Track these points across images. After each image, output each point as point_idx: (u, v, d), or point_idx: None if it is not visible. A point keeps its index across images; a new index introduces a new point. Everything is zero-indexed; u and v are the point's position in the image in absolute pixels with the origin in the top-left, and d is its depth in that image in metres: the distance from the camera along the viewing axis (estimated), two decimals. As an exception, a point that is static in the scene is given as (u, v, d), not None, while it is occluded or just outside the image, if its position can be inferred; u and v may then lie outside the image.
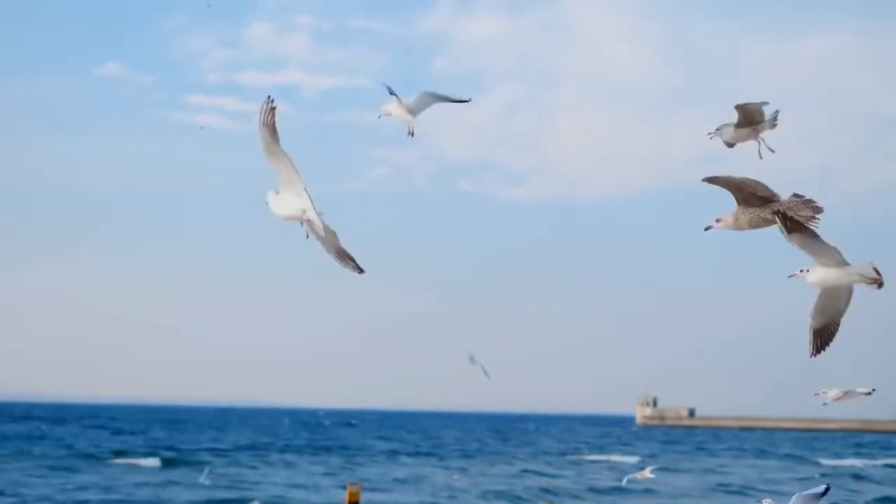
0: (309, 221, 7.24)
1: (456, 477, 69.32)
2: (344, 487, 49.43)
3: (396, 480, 64.11)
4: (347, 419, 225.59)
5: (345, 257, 7.52)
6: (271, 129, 7.04)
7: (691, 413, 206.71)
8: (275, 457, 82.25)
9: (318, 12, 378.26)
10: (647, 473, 24.29)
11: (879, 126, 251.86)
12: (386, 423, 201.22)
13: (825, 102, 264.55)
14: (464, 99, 8.61)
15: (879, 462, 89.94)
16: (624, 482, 29.25)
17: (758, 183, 6.82)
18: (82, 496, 50.33)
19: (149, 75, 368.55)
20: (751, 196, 6.84)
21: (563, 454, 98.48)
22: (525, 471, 73.75)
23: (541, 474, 70.46)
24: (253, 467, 71.76)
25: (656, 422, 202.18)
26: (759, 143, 7.73)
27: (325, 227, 7.33)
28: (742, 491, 62.13)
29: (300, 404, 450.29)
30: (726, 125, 7.83)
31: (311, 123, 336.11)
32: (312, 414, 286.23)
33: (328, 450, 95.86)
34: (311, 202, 7.21)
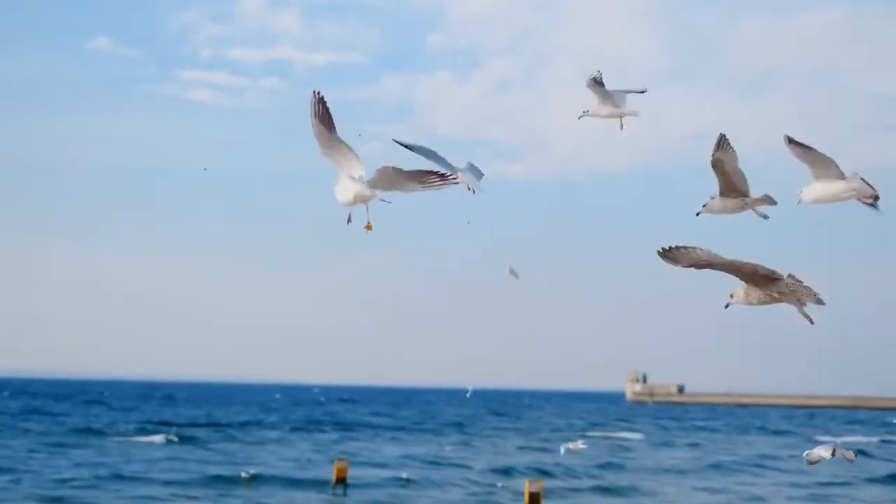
0: (365, 198, 7.11)
1: (448, 448, 70.05)
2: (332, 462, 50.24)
3: (387, 456, 64.75)
4: (342, 395, 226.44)
5: (432, 179, 7.09)
6: (327, 122, 7.01)
7: (680, 390, 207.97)
8: (268, 432, 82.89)
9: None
10: (580, 444, 25.51)
11: (875, 101, 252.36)
12: (381, 400, 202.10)
13: (819, 79, 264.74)
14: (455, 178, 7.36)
15: (875, 438, 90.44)
16: (561, 451, 30.21)
17: (755, 264, 6.69)
18: (87, 473, 50.97)
19: (139, 49, 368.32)
20: (752, 275, 6.74)
21: (559, 430, 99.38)
22: (522, 447, 74.39)
23: (544, 451, 70.87)
24: (247, 443, 72.44)
25: (646, 398, 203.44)
26: (753, 210, 7.62)
27: (383, 174, 7.03)
28: (746, 466, 63.20)
29: (294, 380, 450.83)
30: (711, 199, 7.63)
31: (304, 99, 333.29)
32: (307, 390, 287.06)
33: (320, 425, 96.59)
34: (363, 179, 7.05)
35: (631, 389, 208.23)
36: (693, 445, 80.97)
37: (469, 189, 7.64)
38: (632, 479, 54.67)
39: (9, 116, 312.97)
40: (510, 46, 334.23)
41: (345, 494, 46.10)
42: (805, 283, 6.71)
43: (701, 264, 6.49)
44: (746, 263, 6.58)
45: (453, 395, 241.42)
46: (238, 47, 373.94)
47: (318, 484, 49.37)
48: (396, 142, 7.41)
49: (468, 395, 53.22)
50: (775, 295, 6.71)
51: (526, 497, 39.70)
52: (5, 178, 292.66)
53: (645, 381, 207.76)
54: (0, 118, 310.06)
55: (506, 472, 56.99)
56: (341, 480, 47.34)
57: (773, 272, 6.65)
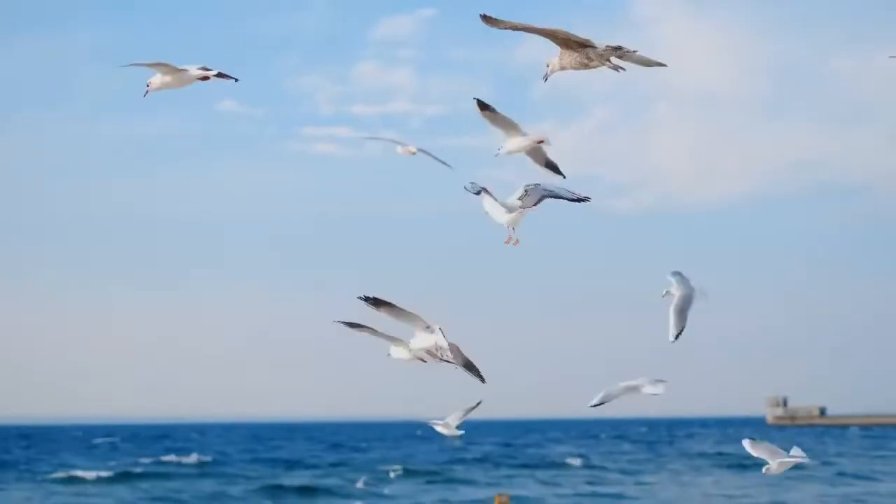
0: (441, 350, 7.66)
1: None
2: None
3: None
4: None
5: (471, 367, 7.83)
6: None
7: (822, 412, 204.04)
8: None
9: (421, 46, 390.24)
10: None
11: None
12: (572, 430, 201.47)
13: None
14: (581, 197, 7.52)
15: None
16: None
17: (567, 31, 6.95)
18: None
19: (263, 109, 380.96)
20: (567, 41, 6.97)
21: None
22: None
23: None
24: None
25: (787, 422, 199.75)
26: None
27: (452, 346, 7.66)
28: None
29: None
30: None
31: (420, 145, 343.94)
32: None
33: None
34: (441, 334, 7.61)
35: (772, 413, 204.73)
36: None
37: None
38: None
39: (146, 171, 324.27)
40: (610, 92, 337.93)
41: None
42: (617, 44, 6.99)
43: (517, 27, 6.82)
44: (559, 29, 6.87)
45: (566, 427, 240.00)
46: (357, 104, 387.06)
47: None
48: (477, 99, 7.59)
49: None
50: (585, 61, 7.01)
51: None
52: (144, 231, 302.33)
53: (786, 404, 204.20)
54: (137, 174, 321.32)
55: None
56: None
57: (587, 40, 6.95)
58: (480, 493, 59.84)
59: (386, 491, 65.06)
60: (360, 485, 64.55)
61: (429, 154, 8.58)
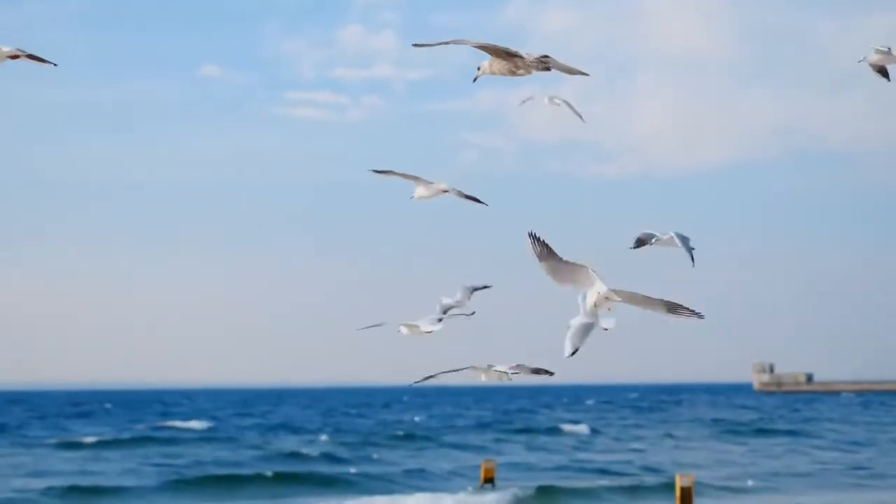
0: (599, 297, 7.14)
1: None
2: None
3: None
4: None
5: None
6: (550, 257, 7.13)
7: (809, 378, 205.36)
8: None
9: (404, 9, 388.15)
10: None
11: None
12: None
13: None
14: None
15: None
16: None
17: (497, 45, 7.44)
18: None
19: (247, 75, 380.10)
20: (497, 52, 7.47)
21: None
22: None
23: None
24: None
25: (773, 388, 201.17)
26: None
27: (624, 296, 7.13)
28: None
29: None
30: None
31: (404, 114, 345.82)
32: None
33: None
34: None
35: (758, 379, 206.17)
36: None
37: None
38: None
39: (133, 137, 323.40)
40: (592, 58, 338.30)
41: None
42: (543, 55, 7.49)
43: (450, 42, 7.34)
44: (489, 44, 7.43)
45: (567, 392, 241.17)
46: (340, 68, 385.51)
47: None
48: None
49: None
50: (513, 68, 7.51)
51: (677, 491, 39.01)
52: (129, 195, 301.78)
53: (772, 370, 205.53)
54: (123, 139, 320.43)
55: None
56: (489, 480, 47.67)
57: (516, 52, 7.46)
58: (472, 460, 60.74)
59: (375, 456, 66.06)
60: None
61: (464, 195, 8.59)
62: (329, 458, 64.59)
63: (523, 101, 10.48)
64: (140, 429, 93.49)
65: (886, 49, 9.97)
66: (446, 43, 7.30)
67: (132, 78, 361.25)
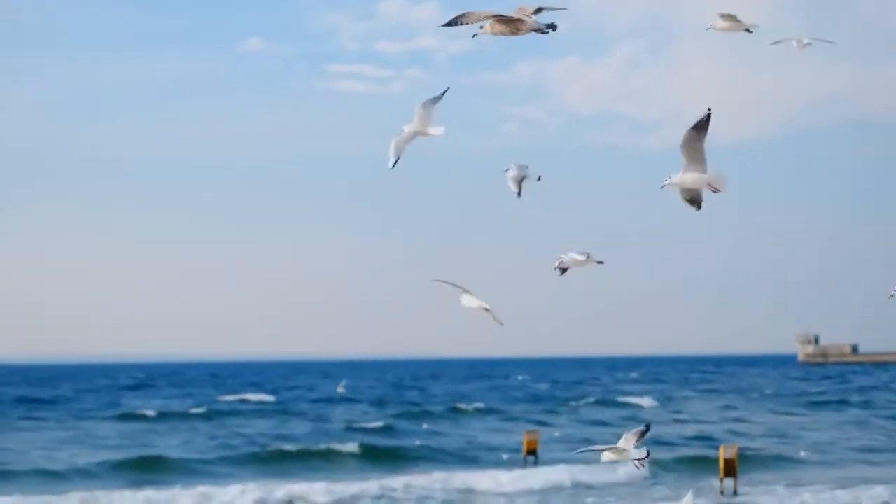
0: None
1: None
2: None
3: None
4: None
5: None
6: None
7: (854, 350, 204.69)
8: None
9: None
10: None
11: None
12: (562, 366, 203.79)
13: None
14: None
15: None
16: None
17: (508, 16, 8.23)
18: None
19: (288, 47, 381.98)
20: (506, 20, 8.20)
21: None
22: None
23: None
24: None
25: (819, 359, 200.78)
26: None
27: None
28: None
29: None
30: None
31: (446, 85, 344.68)
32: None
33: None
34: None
35: (803, 351, 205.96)
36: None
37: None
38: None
39: (170, 110, 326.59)
40: (634, 28, 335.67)
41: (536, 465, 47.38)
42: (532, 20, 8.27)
43: (473, 17, 8.11)
44: (499, 15, 8.18)
45: (604, 364, 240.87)
46: (381, 41, 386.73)
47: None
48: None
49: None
50: (514, 31, 8.25)
51: (721, 463, 39.55)
52: (172, 167, 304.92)
53: (817, 342, 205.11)
54: (163, 113, 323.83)
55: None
56: (532, 452, 48.40)
57: (519, 17, 8.19)
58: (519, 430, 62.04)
59: (426, 427, 67.77)
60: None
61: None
62: (389, 430, 66.42)
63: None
64: (211, 402, 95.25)
65: (732, 15, 9.30)
66: (462, 23, 8.03)
67: (176, 53, 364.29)
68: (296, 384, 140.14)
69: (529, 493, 41.40)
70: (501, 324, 9.33)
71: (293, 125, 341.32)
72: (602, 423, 71.90)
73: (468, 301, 9.42)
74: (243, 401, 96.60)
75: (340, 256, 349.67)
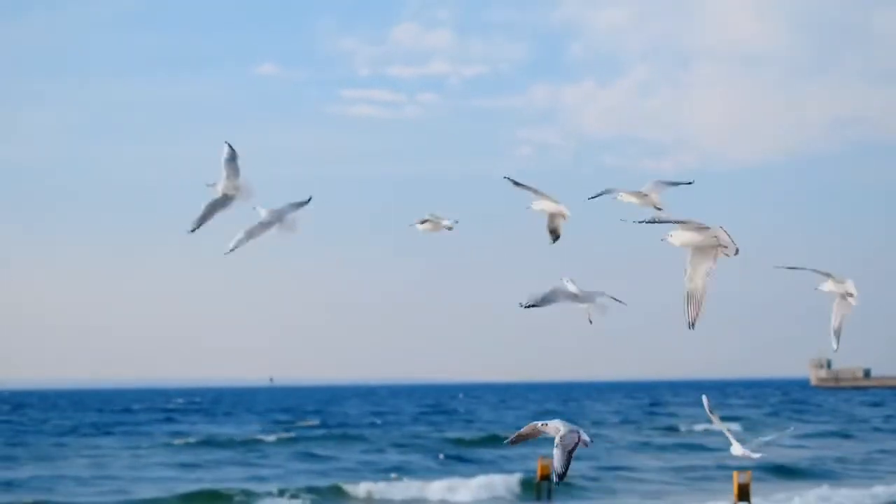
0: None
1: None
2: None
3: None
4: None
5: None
6: None
7: (867, 374, 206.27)
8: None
9: (459, 6, 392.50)
10: None
11: None
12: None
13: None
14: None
15: None
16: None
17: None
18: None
19: (302, 72, 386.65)
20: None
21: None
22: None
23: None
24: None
25: (831, 383, 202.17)
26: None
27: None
28: None
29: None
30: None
31: (459, 109, 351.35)
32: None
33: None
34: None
35: (816, 375, 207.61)
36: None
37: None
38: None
39: (183, 133, 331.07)
40: (649, 51, 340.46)
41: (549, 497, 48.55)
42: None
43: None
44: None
45: (604, 389, 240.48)
46: (395, 66, 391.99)
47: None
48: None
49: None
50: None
51: (735, 488, 39.29)
52: (184, 190, 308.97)
53: (829, 365, 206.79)
54: (176, 136, 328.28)
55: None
56: (545, 477, 47.47)
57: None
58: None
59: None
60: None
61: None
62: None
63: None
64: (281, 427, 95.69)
65: (645, 194, 8.08)
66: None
67: (190, 76, 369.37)
68: (340, 408, 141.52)
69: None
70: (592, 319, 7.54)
71: (306, 149, 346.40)
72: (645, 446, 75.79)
73: (542, 205, 8.09)
74: (307, 426, 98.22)
75: (352, 279, 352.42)
